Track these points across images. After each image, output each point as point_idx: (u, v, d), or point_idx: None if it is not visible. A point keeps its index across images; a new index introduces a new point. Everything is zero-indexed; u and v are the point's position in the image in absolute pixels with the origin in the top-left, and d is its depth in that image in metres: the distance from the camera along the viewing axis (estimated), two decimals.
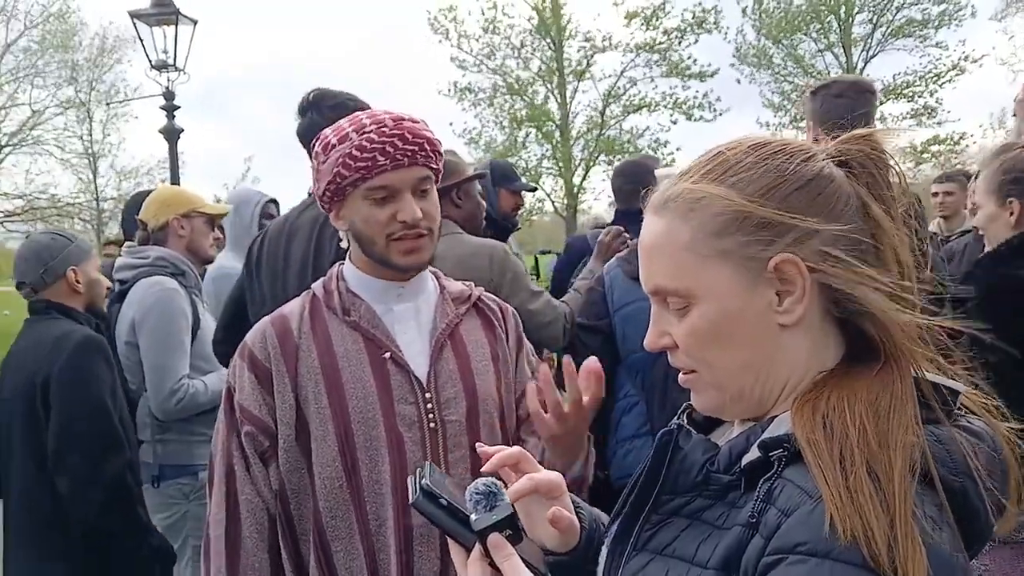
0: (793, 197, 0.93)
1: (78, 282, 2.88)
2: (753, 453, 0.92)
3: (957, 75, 22.29)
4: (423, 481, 1.00)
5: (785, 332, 0.95)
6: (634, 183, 3.68)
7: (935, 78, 22.61)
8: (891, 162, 0.97)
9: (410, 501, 1.00)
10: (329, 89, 2.70)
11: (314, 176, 1.70)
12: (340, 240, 2.39)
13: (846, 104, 2.62)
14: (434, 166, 1.68)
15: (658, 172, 3.31)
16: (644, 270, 1.01)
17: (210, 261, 3.58)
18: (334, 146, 1.64)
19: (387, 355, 1.66)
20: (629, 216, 3.57)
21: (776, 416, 0.95)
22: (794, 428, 0.89)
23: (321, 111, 2.61)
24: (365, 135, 1.61)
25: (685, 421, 1.06)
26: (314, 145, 1.70)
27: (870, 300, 0.92)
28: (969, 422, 0.93)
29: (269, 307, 1.85)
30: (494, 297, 1.91)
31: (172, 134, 9.68)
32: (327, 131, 1.68)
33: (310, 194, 2.77)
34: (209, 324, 3.30)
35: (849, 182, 0.96)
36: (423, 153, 1.64)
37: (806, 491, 0.84)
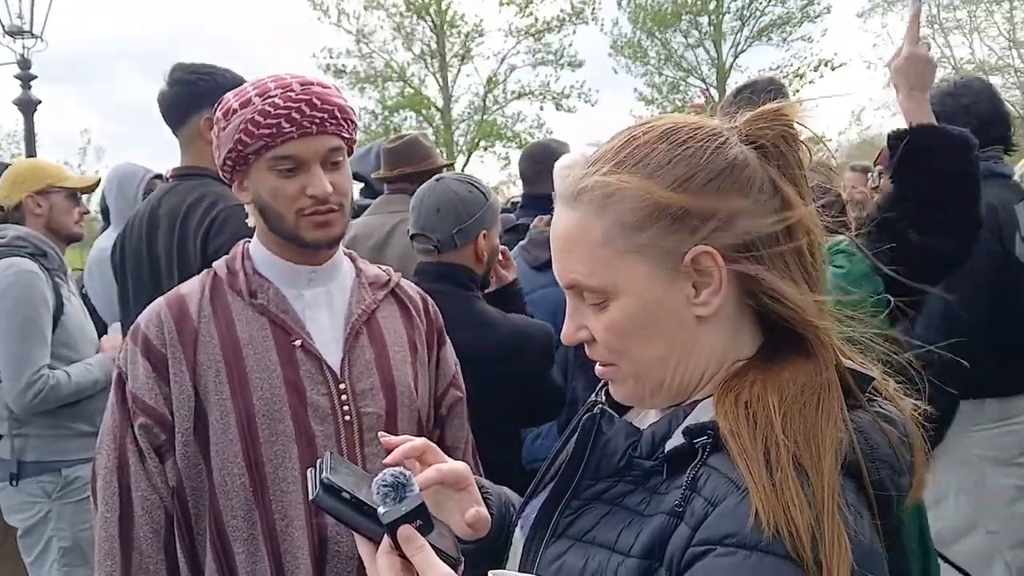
0: (708, 187, 0.92)
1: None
2: (677, 439, 0.92)
3: (820, 76, 23.56)
4: (323, 476, 0.94)
5: (703, 323, 0.95)
6: (540, 166, 3.69)
7: (798, 77, 23.78)
8: (802, 138, 0.97)
9: (310, 498, 0.95)
10: (186, 63, 2.56)
11: (215, 144, 1.59)
12: (205, 233, 2.26)
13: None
14: (346, 135, 1.58)
15: (559, 163, 3.33)
16: (559, 264, 0.99)
17: (76, 239, 3.35)
18: (235, 111, 1.52)
19: (298, 343, 1.56)
20: (536, 200, 3.59)
21: (699, 401, 0.96)
22: (717, 418, 0.89)
23: (168, 85, 2.50)
24: (269, 100, 1.50)
25: (603, 400, 1.06)
26: (215, 111, 1.58)
27: (781, 293, 0.92)
28: (881, 407, 0.95)
29: (134, 315, 1.70)
30: (414, 285, 1.84)
31: (28, 106, 9.04)
32: (228, 95, 1.57)
33: (166, 178, 2.62)
34: (76, 309, 3.10)
35: (761, 165, 0.95)
36: (333, 121, 1.54)
37: (733, 481, 0.84)
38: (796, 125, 0.97)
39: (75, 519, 2.97)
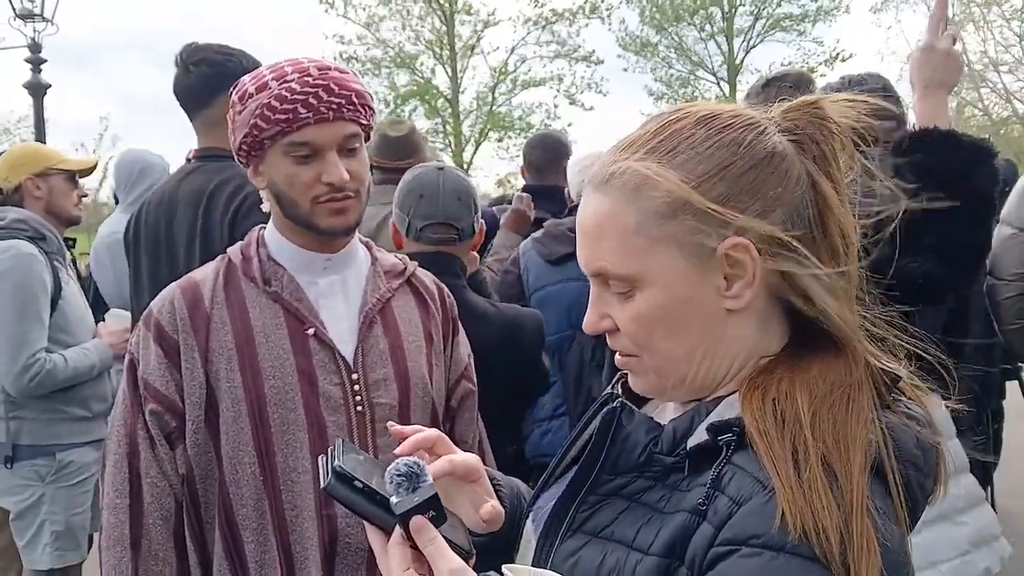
0: (745, 177, 0.88)
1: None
2: (700, 436, 0.89)
3: (831, 70, 23.52)
4: (335, 463, 0.91)
5: (732, 316, 0.91)
6: (553, 155, 3.64)
7: (809, 71, 23.72)
8: (837, 131, 0.93)
9: (321, 485, 0.92)
10: (201, 43, 2.48)
11: (230, 128, 1.56)
12: (233, 216, 2.23)
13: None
14: (364, 121, 1.55)
15: (574, 160, 3.29)
16: (585, 251, 0.95)
17: (75, 222, 3.34)
18: (251, 95, 1.50)
19: (311, 331, 1.54)
20: (541, 191, 3.52)
21: (722, 396, 0.92)
22: (744, 415, 0.86)
23: (187, 67, 2.42)
24: (286, 84, 1.47)
25: (620, 391, 1.02)
26: (230, 95, 1.55)
27: (813, 290, 0.89)
28: (907, 407, 0.92)
29: (147, 296, 1.66)
30: (429, 274, 1.80)
31: (38, 89, 9.08)
32: (245, 79, 1.54)
33: (188, 159, 2.58)
34: (73, 293, 3.08)
35: (799, 157, 0.91)
36: (351, 107, 1.51)
37: (760, 481, 0.82)
38: (832, 119, 0.93)
39: (68, 503, 2.97)
